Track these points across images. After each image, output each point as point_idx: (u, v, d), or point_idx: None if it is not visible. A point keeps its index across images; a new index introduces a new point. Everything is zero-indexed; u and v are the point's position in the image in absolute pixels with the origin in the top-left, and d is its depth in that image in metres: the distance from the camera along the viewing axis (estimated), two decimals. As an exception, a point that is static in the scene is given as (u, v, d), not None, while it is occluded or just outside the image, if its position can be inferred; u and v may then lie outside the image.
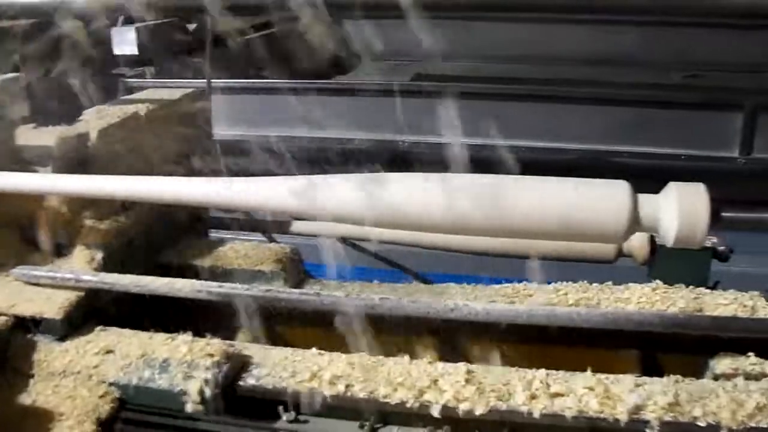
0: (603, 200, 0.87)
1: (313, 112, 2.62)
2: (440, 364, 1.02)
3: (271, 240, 1.62)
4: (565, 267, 1.39)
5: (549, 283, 1.25)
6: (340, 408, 1.00)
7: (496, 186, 0.89)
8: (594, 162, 2.74)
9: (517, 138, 2.81)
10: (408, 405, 0.97)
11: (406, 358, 1.03)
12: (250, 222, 1.58)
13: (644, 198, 0.88)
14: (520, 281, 1.29)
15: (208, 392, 0.99)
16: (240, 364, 1.04)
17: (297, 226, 1.52)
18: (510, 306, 1.06)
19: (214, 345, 1.05)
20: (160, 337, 1.08)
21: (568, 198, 0.88)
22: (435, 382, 0.98)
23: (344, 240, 1.54)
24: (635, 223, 0.86)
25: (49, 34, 1.54)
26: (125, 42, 2.78)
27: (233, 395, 1.02)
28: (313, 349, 1.07)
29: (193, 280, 1.13)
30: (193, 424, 1.04)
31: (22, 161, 1.21)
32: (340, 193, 0.94)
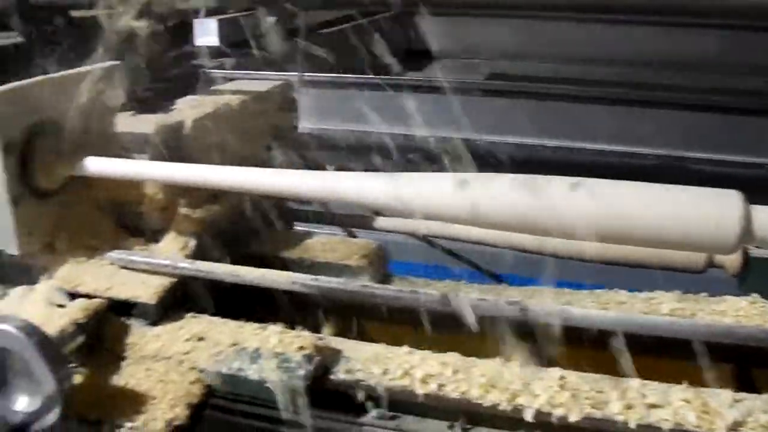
0: (714, 210, 0.84)
1: (387, 107, 2.62)
2: (533, 368, 1.01)
3: (351, 235, 1.62)
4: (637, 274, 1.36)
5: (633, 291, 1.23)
6: (430, 407, 1.00)
7: (625, 192, 0.87)
8: (673, 168, 2.68)
9: (593, 141, 2.78)
10: (500, 407, 0.96)
11: (498, 360, 1.03)
12: (331, 216, 1.58)
13: (758, 210, 0.85)
14: (600, 287, 1.27)
15: (298, 384, 1.00)
16: (330, 358, 1.05)
17: (378, 222, 1.52)
18: (614, 313, 1.04)
19: (305, 337, 1.05)
20: (251, 326, 1.10)
21: (677, 205, 0.85)
22: (528, 385, 0.97)
23: (419, 236, 1.54)
24: (747, 234, 0.84)
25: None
26: (207, 33, 2.83)
27: (322, 388, 1.03)
28: (405, 347, 1.07)
29: (289, 273, 1.13)
30: (279, 415, 1.05)
31: (120, 147, 1.24)
32: (497, 193, 0.92)
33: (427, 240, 1.58)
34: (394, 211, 1.06)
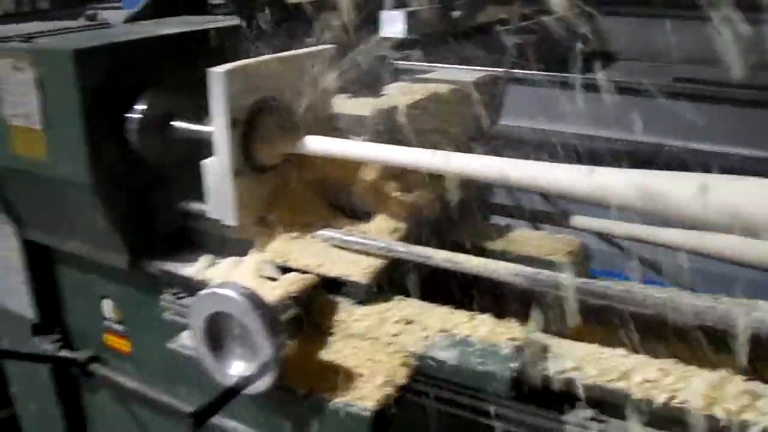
0: None
1: (571, 106, 2.56)
2: (757, 383, 0.94)
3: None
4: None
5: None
6: (643, 413, 0.95)
7: None
8: None
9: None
10: (722, 424, 0.90)
11: (720, 372, 0.96)
12: (528, 211, 1.55)
13: None
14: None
15: (506, 375, 0.98)
16: (541, 352, 1.02)
17: (575, 220, 1.47)
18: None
19: (516, 329, 1.03)
20: (461, 314, 1.08)
21: None
22: (755, 400, 0.90)
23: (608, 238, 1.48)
24: None
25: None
26: (393, 24, 2.85)
27: (531, 382, 1.00)
28: (620, 350, 1.02)
29: (508, 263, 1.11)
30: (481, 404, 1.03)
31: (335, 128, 1.26)
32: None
33: (619, 245, 1.51)
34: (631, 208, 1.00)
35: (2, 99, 1.49)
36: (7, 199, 1.72)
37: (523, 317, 1.15)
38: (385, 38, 2.80)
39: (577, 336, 1.13)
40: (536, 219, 1.52)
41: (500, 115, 1.62)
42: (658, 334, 1.12)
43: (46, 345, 1.88)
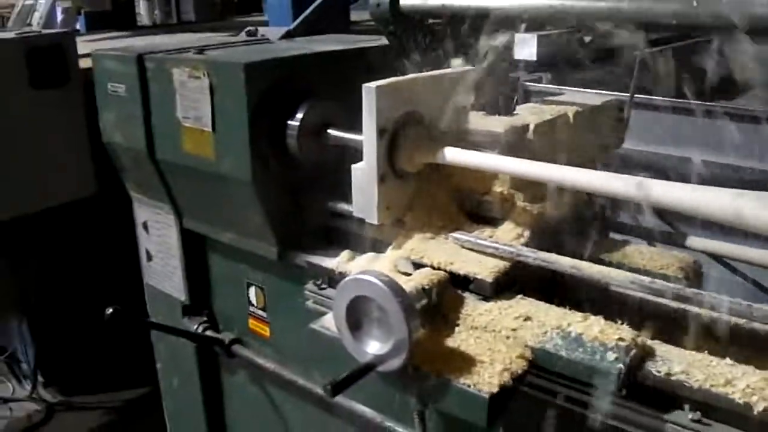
0: None
1: (708, 134, 2.57)
2: None
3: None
4: None
5: None
6: (746, 419, 1.02)
7: None
8: None
9: None
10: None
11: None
12: (644, 229, 1.62)
13: None
14: None
15: (613, 371, 1.08)
16: (647, 354, 1.11)
17: (689, 241, 1.52)
18: None
19: (625, 331, 1.12)
20: (575, 315, 1.18)
21: None
22: None
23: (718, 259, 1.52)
24: None
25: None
26: (526, 47, 2.94)
27: (637, 381, 1.09)
28: (728, 359, 1.09)
29: (627, 273, 1.20)
30: (588, 398, 1.13)
31: (471, 142, 1.40)
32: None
33: (732, 267, 1.56)
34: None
35: (177, 103, 1.71)
36: (171, 191, 1.94)
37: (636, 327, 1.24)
38: (519, 60, 2.90)
39: (687, 346, 1.21)
40: (652, 237, 1.59)
41: (624, 138, 1.71)
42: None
43: (194, 325, 2.10)
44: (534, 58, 3.18)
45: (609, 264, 1.39)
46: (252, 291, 1.93)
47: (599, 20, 1.43)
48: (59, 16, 5.25)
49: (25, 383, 3.71)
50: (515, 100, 1.73)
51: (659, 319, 1.29)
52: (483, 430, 1.14)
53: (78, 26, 4.81)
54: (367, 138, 1.31)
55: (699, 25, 1.30)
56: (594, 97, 1.71)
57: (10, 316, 3.48)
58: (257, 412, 2.08)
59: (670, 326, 1.29)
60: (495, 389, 1.09)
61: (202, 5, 7.62)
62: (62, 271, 3.15)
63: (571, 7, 1.42)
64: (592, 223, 1.52)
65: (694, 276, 1.38)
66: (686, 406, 1.08)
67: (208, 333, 2.07)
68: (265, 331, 1.94)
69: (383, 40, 1.80)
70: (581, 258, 1.39)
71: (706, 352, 1.14)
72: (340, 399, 1.68)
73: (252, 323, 1.97)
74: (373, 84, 1.28)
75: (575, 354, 1.11)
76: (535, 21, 1.70)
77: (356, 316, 1.19)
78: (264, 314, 1.92)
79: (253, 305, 1.94)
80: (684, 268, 1.37)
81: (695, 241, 1.49)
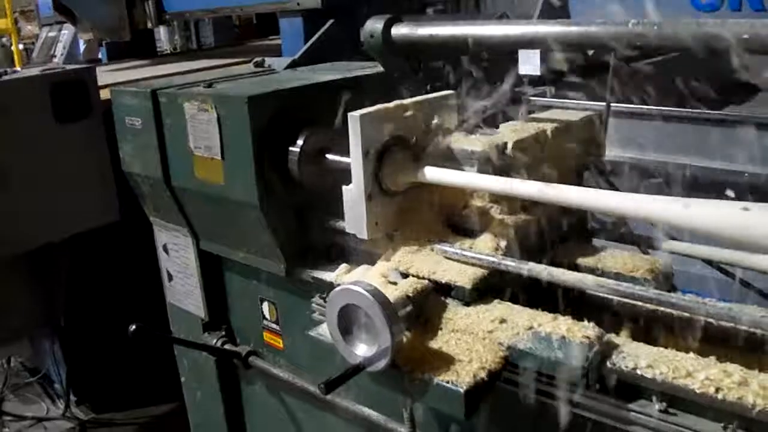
0: None
1: (700, 141, 2.63)
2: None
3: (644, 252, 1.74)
4: None
5: None
6: (707, 408, 1.12)
7: None
8: None
9: None
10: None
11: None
12: (627, 234, 1.72)
13: None
14: None
15: (577, 365, 1.19)
16: (611, 349, 1.22)
17: (669, 244, 1.61)
18: None
19: (590, 329, 1.24)
20: (546, 315, 1.30)
21: None
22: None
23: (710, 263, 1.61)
24: None
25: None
26: (529, 63, 3.04)
27: (602, 375, 1.20)
28: (691, 354, 1.20)
29: (598, 277, 1.32)
30: (557, 392, 1.25)
31: (452, 160, 1.52)
32: None
33: (720, 268, 1.65)
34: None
35: (189, 134, 1.85)
36: (187, 215, 2.09)
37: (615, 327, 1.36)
38: (523, 75, 3.01)
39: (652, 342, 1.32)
40: (633, 242, 1.69)
41: (604, 150, 1.82)
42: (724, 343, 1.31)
43: (213, 340, 2.23)
44: (537, 73, 3.28)
45: (585, 269, 1.50)
46: (265, 306, 2.06)
47: (570, 45, 1.54)
48: (81, 46, 5.45)
49: (59, 402, 3.89)
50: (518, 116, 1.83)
51: (638, 319, 1.40)
52: (463, 423, 1.26)
53: (99, 55, 5.00)
54: (354, 160, 1.45)
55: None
56: (574, 113, 1.82)
57: (40, 338, 3.66)
58: (275, 420, 2.21)
59: (650, 326, 1.39)
60: (470, 385, 1.21)
61: (221, 30, 7.83)
62: (90, 293, 3.31)
63: (546, 33, 1.53)
64: (572, 231, 1.63)
65: (664, 279, 1.48)
66: (653, 398, 1.18)
67: (227, 346, 2.21)
68: (279, 342, 2.07)
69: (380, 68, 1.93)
70: (559, 264, 1.51)
71: (673, 348, 1.24)
72: (348, 403, 1.81)
73: (266, 336, 2.10)
74: (357, 112, 1.42)
75: (544, 351, 1.23)
76: (515, 47, 1.82)
77: (347, 322, 1.32)
78: (277, 327, 2.06)
79: (266, 319, 2.08)
80: (653, 270, 1.47)
81: (675, 245, 1.59)
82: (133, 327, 1.90)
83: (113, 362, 3.41)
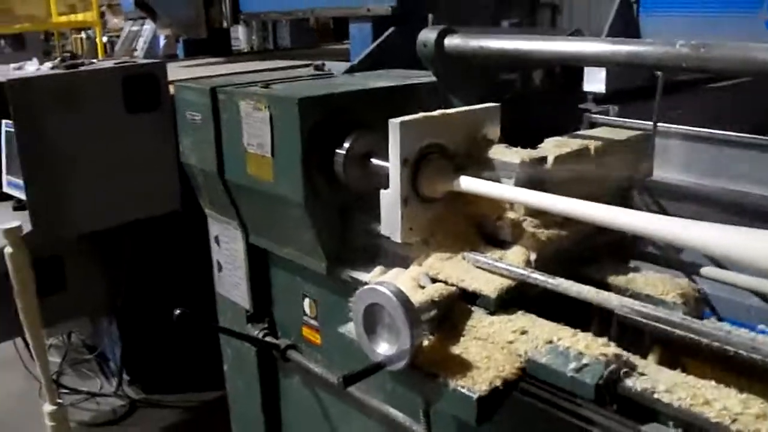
0: None
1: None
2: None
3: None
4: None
5: None
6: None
7: None
8: None
9: None
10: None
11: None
12: (665, 258, 1.71)
13: None
14: None
15: (590, 382, 1.19)
16: (627, 369, 1.22)
17: (708, 271, 1.60)
18: None
19: (608, 347, 1.25)
20: (567, 330, 1.32)
21: None
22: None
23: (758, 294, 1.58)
24: None
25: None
26: (595, 80, 3.03)
27: (617, 393, 1.20)
28: (713, 381, 1.18)
29: (620, 296, 1.33)
30: (573, 407, 1.26)
31: (491, 171, 1.55)
32: None
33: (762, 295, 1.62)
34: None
35: (244, 131, 1.92)
36: (238, 209, 2.16)
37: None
38: (588, 92, 3.00)
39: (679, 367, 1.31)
40: (669, 265, 1.68)
41: (651, 170, 1.81)
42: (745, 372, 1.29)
43: (256, 331, 2.30)
44: (602, 90, 3.27)
45: (616, 288, 1.50)
46: (306, 302, 2.12)
47: (617, 64, 1.55)
48: (162, 42, 5.63)
49: (112, 380, 4.04)
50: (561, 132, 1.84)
51: (667, 343, 1.39)
52: (478, 430, 1.29)
53: (177, 51, 5.15)
54: (393, 166, 1.49)
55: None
56: (622, 132, 1.83)
57: (101, 317, 3.80)
58: (309, 415, 2.27)
59: (678, 350, 1.38)
60: (484, 392, 1.23)
61: (298, 32, 7.97)
62: (149, 278, 3.43)
63: (590, 51, 1.55)
64: (608, 250, 1.64)
65: (695, 301, 1.47)
66: (670, 423, 1.17)
67: (268, 338, 2.27)
68: (317, 339, 2.13)
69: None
70: (590, 282, 1.51)
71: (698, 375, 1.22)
72: (377, 403, 1.85)
73: (305, 331, 2.16)
74: (398, 120, 1.46)
75: (560, 365, 1.24)
76: (560, 62, 1.83)
77: (372, 321, 1.36)
78: (316, 323, 2.11)
79: (306, 315, 2.13)
80: (684, 294, 1.47)
81: (714, 271, 1.58)
82: (178, 312, 1.98)
83: (166, 346, 3.52)
